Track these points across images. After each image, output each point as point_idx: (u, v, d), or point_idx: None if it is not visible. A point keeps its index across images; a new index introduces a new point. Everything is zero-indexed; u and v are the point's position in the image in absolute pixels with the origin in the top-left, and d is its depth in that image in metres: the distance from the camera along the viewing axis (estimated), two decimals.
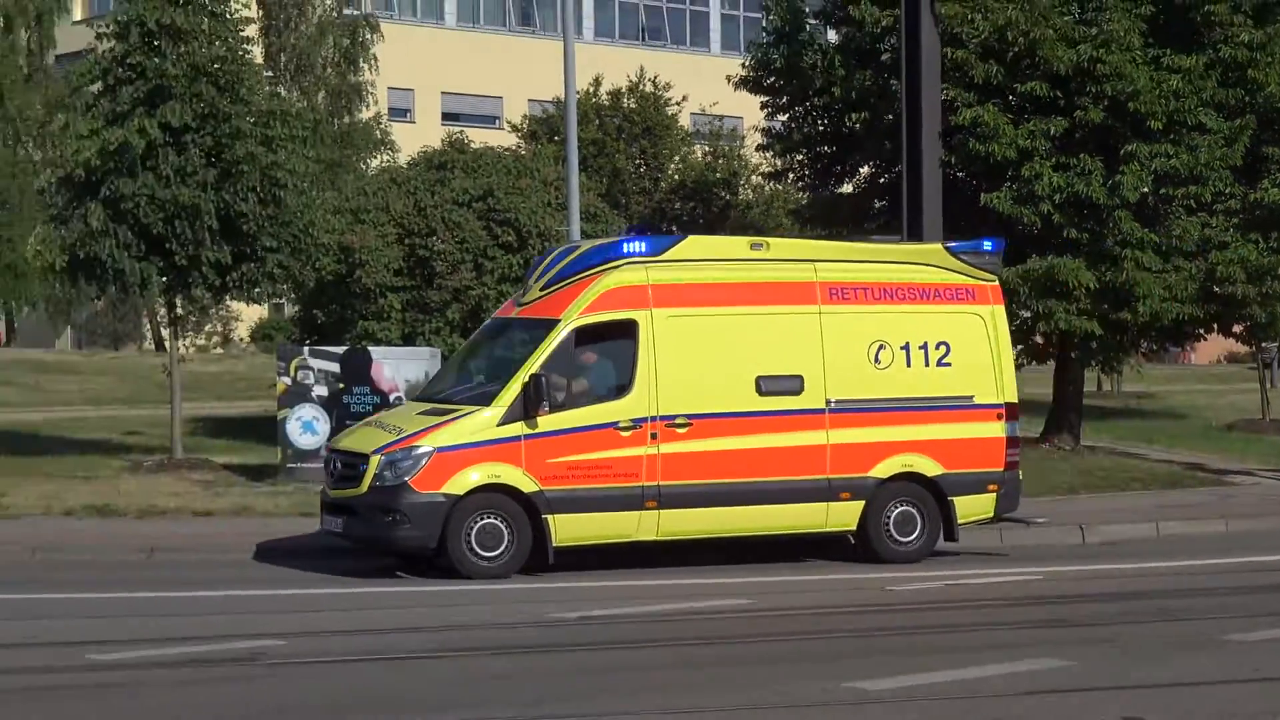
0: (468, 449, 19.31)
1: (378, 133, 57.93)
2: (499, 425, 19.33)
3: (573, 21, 28.80)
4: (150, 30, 26.87)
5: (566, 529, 19.46)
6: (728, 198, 47.92)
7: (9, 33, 63.85)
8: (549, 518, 19.35)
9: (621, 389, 19.78)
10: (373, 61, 58.29)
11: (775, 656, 14.93)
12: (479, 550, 19.22)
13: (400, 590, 19.05)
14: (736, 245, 21.29)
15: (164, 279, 27.46)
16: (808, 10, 34.48)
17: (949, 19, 29.78)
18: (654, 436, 19.68)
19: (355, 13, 59.82)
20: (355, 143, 56.33)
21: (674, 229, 43.23)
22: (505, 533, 19.28)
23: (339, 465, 20.10)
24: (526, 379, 19.32)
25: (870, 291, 20.80)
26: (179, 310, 29.12)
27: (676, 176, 49.82)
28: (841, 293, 20.68)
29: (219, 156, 26.92)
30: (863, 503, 20.51)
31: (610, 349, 20.01)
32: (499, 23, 74.54)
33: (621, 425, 19.63)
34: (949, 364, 20.88)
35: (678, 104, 52.42)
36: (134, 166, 26.63)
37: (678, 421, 19.75)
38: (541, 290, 20.38)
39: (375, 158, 55.75)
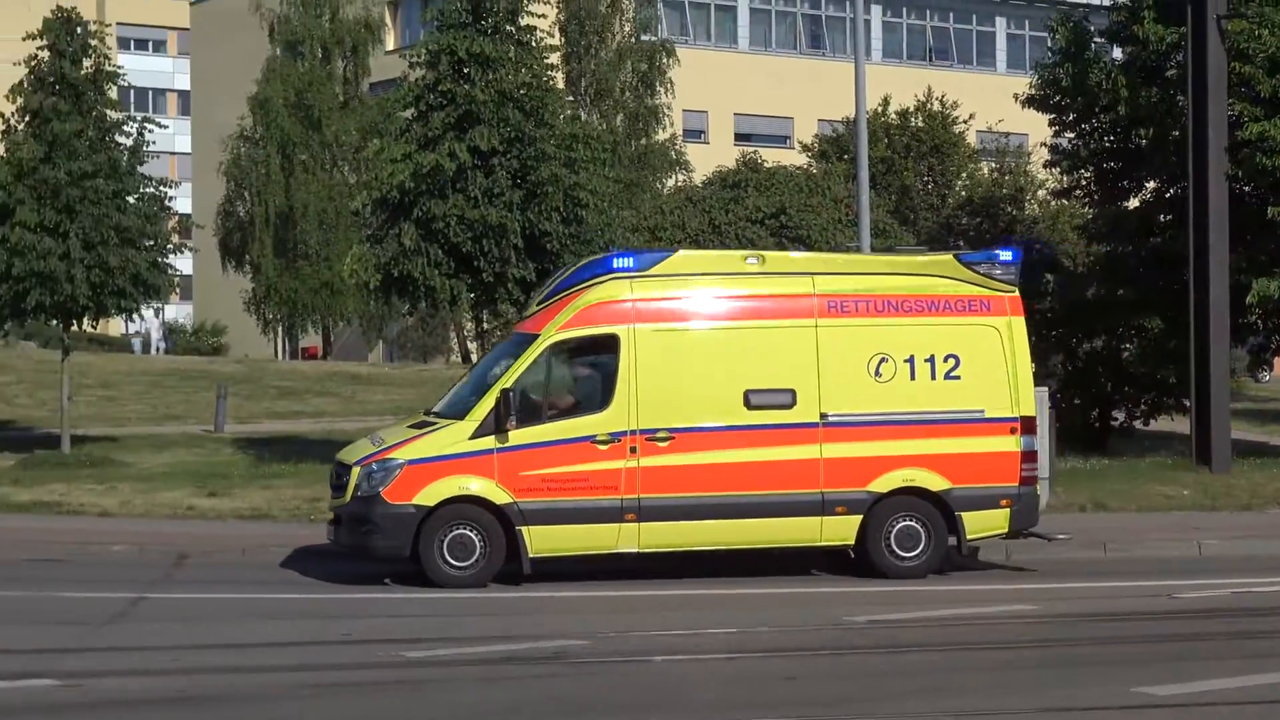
0: (439, 461, 19.59)
1: (673, 153, 58.94)
2: (471, 439, 19.56)
3: (864, 43, 29.48)
4: (460, 59, 27.96)
5: (543, 540, 19.54)
6: (1013, 213, 48.15)
7: (327, 63, 66.26)
8: (523, 529, 19.46)
9: (600, 403, 19.75)
10: (669, 85, 59.38)
11: (1063, 661, 15.15)
12: (451, 560, 19.45)
13: (697, 594, 19.69)
14: (730, 259, 21.29)
15: (472, 295, 28.54)
16: (1093, 29, 34.86)
17: (1235, 35, 29.94)
18: (633, 450, 19.60)
19: (652, 38, 61.14)
20: (651, 163, 57.37)
21: (961, 244, 43.74)
22: (478, 543, 19.47)
23: (334, 475, 20.60)
24: (498, 394, 19.55)
25: (873, 304, 20.23)
26: (485, 325, 30.24)
27: (964, 193, 50.20)
28: (841, 305, 20.17)
29: (524, 178, 27.91)
30: (860, 517, 19.98)
31: (590, 364, 20.22)
32: (790, 46, 75.44)
33: (599, 439, 19.60)
34: (958, 377, 20.17)
35: (965, 122, 52.86)
36: (445, 188, 27.80)
37: (658, 435, 19.65)
38: (537, 305, 20.72)
39: (670, 178, 56.78)
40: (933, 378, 20.15)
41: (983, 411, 20.17)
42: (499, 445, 19.51)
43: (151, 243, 32.48)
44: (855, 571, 20.41)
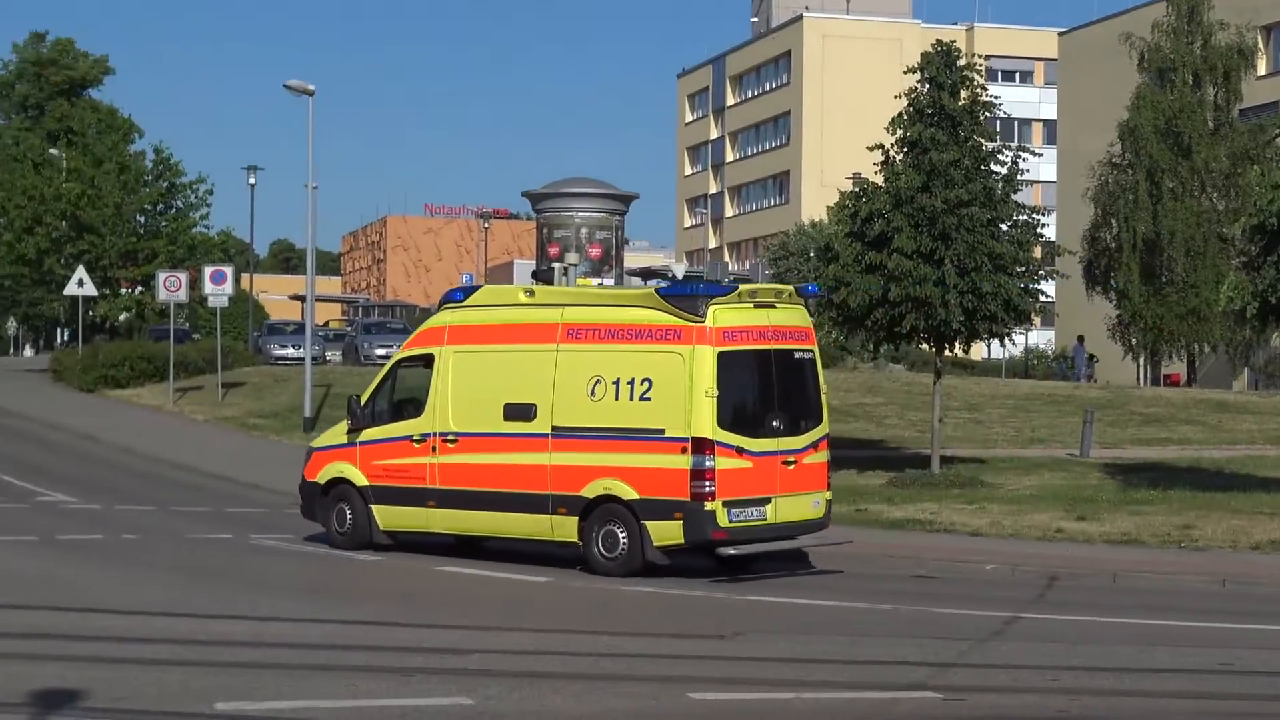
0: (329, 450, 25.46)
1: None
2: (347, 434, 25.19)
3: None
4: None
5: (383, 517, 24.71)
6: None
7: (1198, 89, 65.42)
8: (372, 506, 24.76)
9: (420, 410, 24.29)
10: None
11: None
12: (337, 527, 25.06)
13: None
14: (515, 293, 24.77)
15: None
16: None
17: None
18: (434, 449, 24.04)
19: None
20: None
21: None
22: (349, 515, 24.92)
23: None
24: (349, 400, 25.75)
25: (599, 331, 22.90)
26: None
27: None
28: (576, 333, 23.07)
29: None
30: (577, 518, 22.70)
31: (420, 377, 24.63)
32: None
33: (415, 438, 24.28)
34: (649, 399, 22.27)
35: None
36: None
37: (449, 438, 23.91)
38: None
39: None
40: (631, 398, 22.46)
41: (663, 431, 22.16)
42: (359, 440, 24.98)
43: (1023, 269, 32.90)
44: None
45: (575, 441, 22.74)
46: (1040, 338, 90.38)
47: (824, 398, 23.40)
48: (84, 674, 14.16)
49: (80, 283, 57.32)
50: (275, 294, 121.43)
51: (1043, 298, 35.12)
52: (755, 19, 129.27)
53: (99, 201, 65.11)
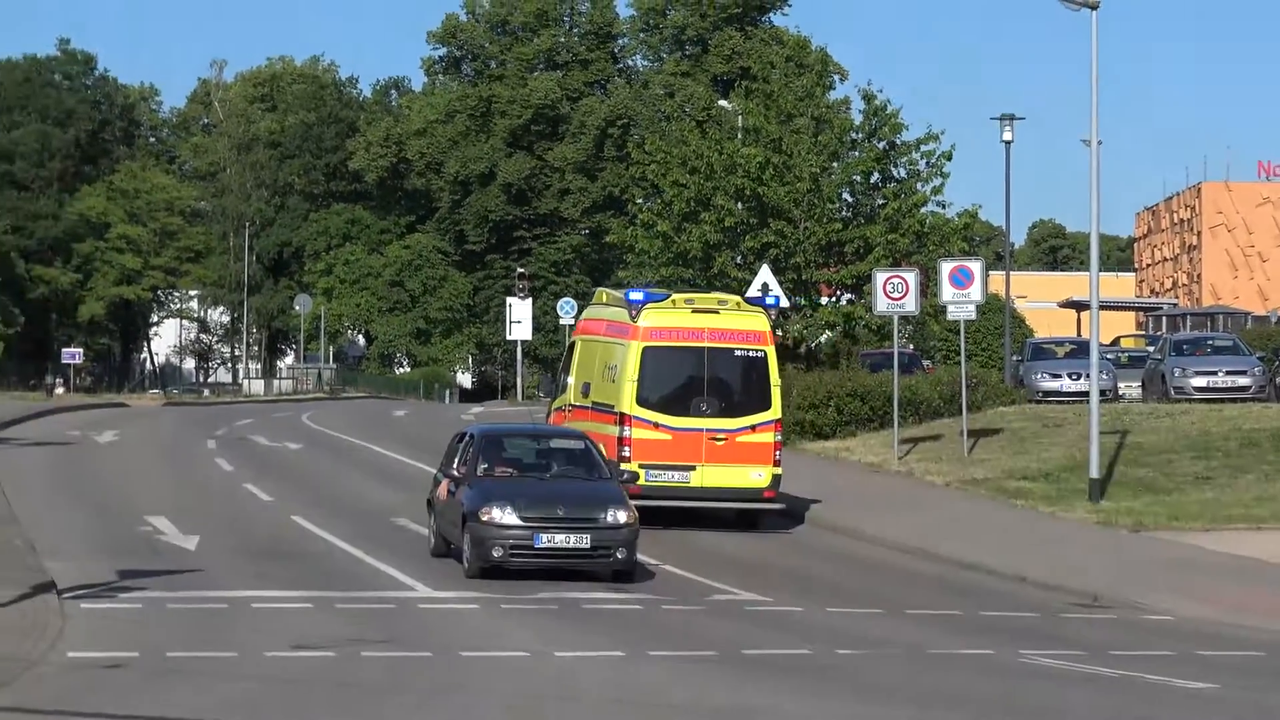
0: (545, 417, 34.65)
1: None
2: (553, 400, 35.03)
3: None
4: None
5: None
6: None
7: None
8: None
9: (567, 387, 33.57)
10: None
11: None
12: None
13: None
14: (602, 295, 34.75)
15: None
16: None
17: None
18: (565, 418, 32.60)
19: None
20: None
21: None
22: None
23: None
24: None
25: (612, 326, 31.67)
26: None
27: None
28: (606, 328, 32.02)
29: None
30: None
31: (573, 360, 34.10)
32: None
33: (563, 409, 33.10)
34: (615, 381, 30.65)
35: None
36: None
37: (566, 408, 32.80)
38: None
39: None
40: (611, 380, 30.91)
41: (613, 406, 30.52)
42: (552, 408, 34.45)
43: None
44: None
45: (596, 413, 30.78)
46: None
47: (774, 389, 30.48)
48: None
49: (764, 290, 46.05)
50: (1039, 300, 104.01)
51: None
52: None
53: (789, 174, 50.36)
